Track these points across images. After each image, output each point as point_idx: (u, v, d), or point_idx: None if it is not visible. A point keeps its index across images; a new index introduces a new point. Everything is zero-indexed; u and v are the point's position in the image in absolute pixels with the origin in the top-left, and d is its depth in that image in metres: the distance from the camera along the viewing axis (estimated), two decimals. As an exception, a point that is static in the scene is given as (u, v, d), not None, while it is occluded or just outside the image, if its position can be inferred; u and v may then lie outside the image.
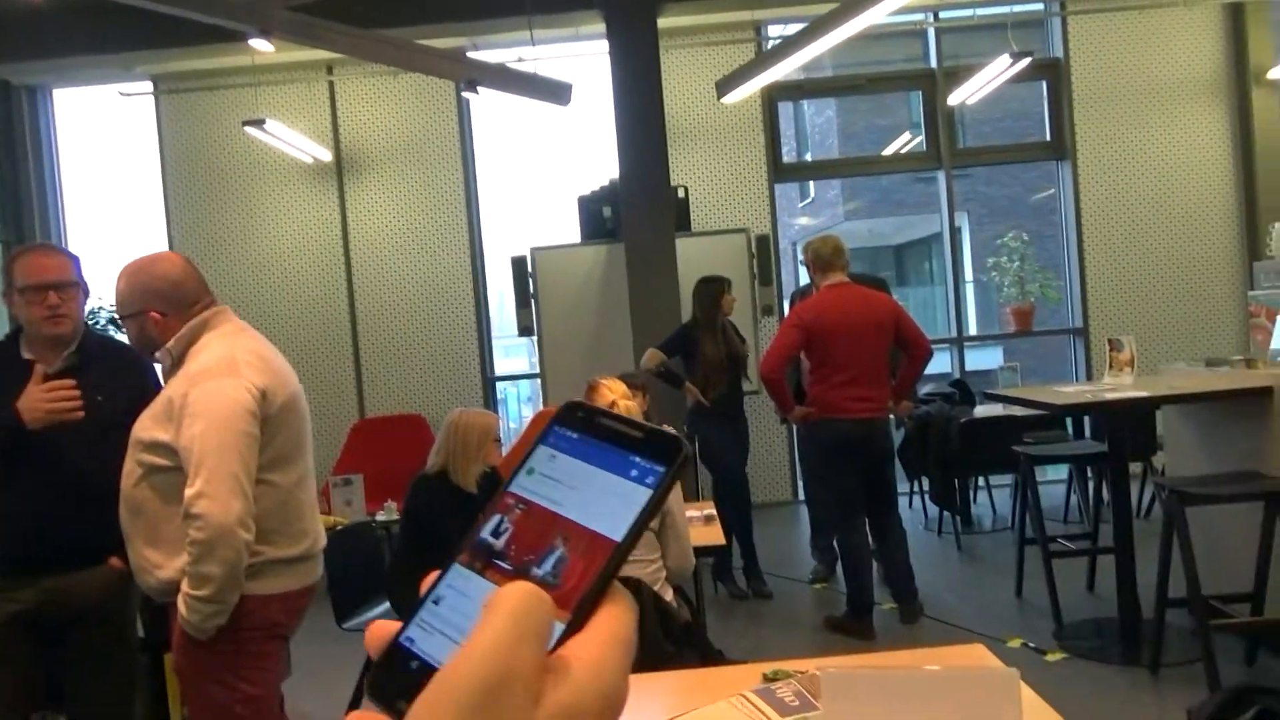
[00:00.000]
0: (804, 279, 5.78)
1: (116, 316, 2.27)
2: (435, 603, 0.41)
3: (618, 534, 0.40)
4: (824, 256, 4.40)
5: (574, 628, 0.38)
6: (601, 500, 0.41)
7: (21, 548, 2.43)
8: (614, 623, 0.38)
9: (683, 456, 0.41)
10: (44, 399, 2.30)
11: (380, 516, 5.12)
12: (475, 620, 0.37)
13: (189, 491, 2.01)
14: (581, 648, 0.37)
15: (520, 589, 0.37)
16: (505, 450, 4.12)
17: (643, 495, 0.41)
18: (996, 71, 6.03)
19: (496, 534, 0.42)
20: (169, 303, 2.20)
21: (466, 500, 3.66)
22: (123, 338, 2.54)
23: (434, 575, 0.42)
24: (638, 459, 0.42)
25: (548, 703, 0.35)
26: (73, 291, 2.46)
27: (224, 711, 2.16)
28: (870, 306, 4.35)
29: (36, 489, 2.39)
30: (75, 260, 2.51)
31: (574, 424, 0.44)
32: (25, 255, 2.47)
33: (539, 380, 6.73)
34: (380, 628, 0.41)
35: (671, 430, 0.43)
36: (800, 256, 6.21)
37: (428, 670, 0.37)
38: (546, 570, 0.40)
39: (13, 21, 5.73)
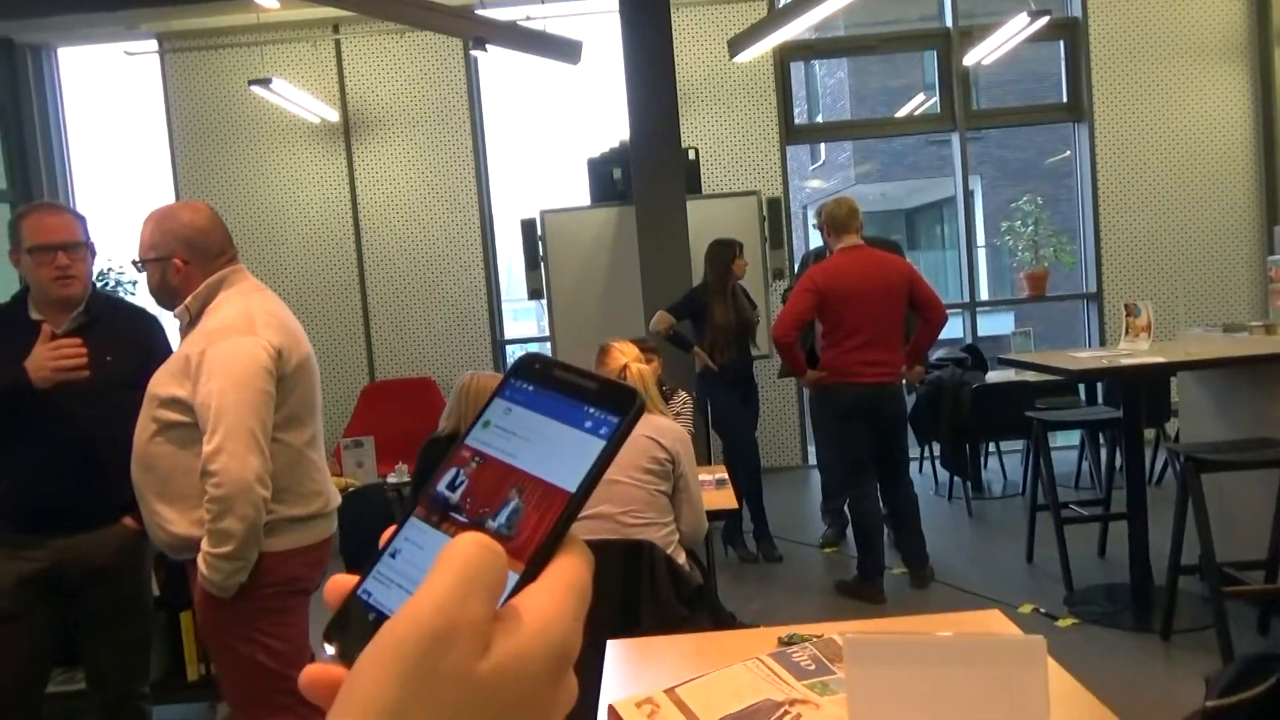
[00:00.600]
0: (815, 242, 5.74)
1: (137, 260, 2.24)
2: (392, 556, 0.41)
3: (571, 485, 0.40)
4: (839, 219, 4.35)
5: (528, 578, 0.38)
6: (556, 452, 0.41)
7: (34, 508, 2.44)
8: (568, 572, 0.38)
9: (637, 407, 0.41)
10: (51, 358, 2.29)
11: (391, 479, 5.14)
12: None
13: (207, 448, 2.01)
14: (532, 598, 0.37)
15: (471, 540, 0.37)
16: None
17: (596, 446, 0.41)
18: (1014, 30, 5.92)
19: (452, 487, 0.42)
20: (194, 250, 2.19)
21: None
22: (130, 294, 2.52)
23: (391, 529, 0.42)
24: (592, 410, 0.42)
25: (496, 651, 0.35)
26: (81, 252, 2.44)
27: (251, 667, 2.18)
28: (884, 270, 4.30)
29: (47, 449, 2.39)
30: (83, 220, 2.49)
31: (530, 376, 0.44)
32: (32, 214, 2.44)
33: (549, 344, 6.70)
34: (339, 582, 0.41)
35: (631, 385, 0.43)
36: (812, 220, 6.14)
37: (384, 621, 0.37)
38: (501, 522, 0.40)
39: (16, -22, 5.66)
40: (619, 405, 0.41)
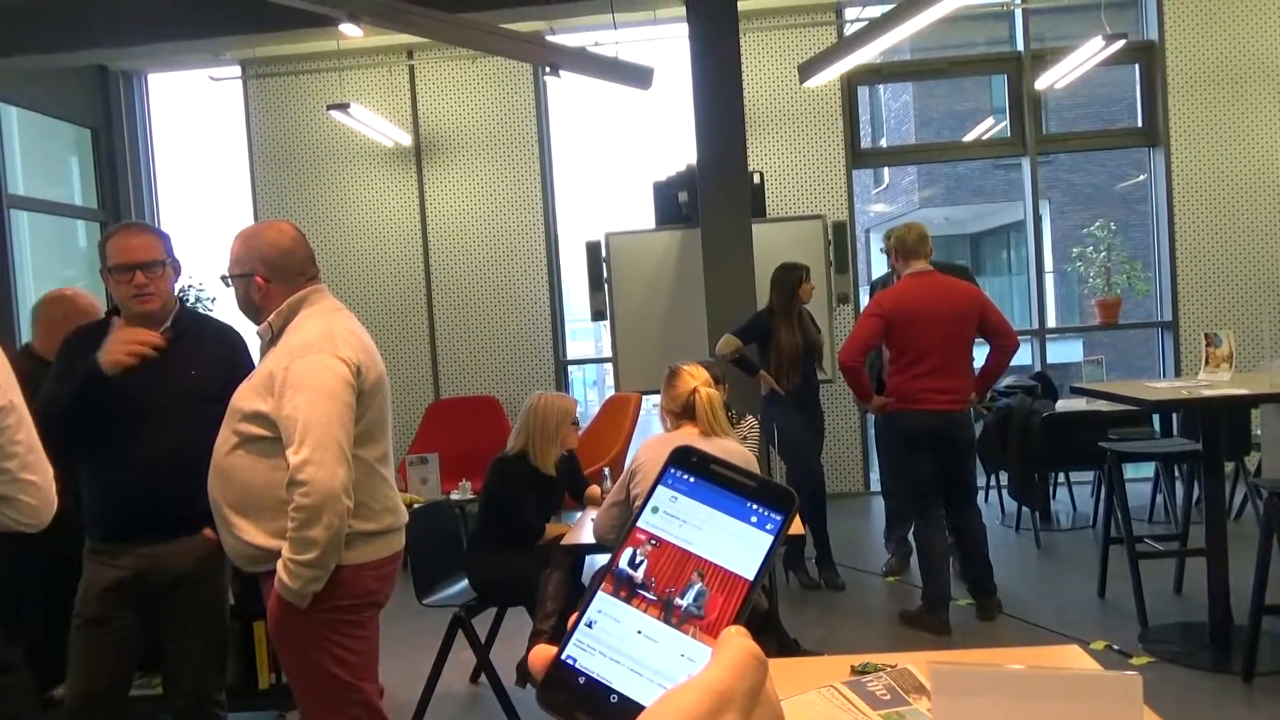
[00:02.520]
0: (881, 268, 5.69)
1: (225, 275, 2.32)
2: (589, 625, 0.47)
3: (749, 573, 0.46)
4: (908, 244, 4.31)
5: None
6: (727, 541, 0.47)
7: (121, 516, 2.51)
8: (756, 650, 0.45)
9: (795, 507, 0.48)
10: (118, 343, 2.34)
11: (455, 495, 5.21)
12: (632, 643, 0.45)
13: (295, 459, 2.06)
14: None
15: (746, 648, 0.43)
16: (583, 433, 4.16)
17: (764, 540, 0.47)
18: (1089, 54, 5.83)
19: (633, 565, 0.48)
20: (275, 270, 2.26)
21: (545, 482, 3.70)
22: (209, 309, 2.60)
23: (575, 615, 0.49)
24: (755, 506, 0.48)
25: None
26: (159, 270, 2.50)
27: (324, 676, 2.22)
28: (953, 295, 4.25)
29: (134, 460, 2.46)
30: (165, 238, 2.55)
31: (689, 468, 0.50)
32: (117, 234, 2.51)
33: (608, 365, 6.74)
34: (542, 650, 0.48)
35: (787, 487, 0.50)
36: (879, 244, 6.09)
37: (595, 685, 0.45)
38: (690, 602, 0.46)
39: (110, 9, 5.93)
40: (780, 503, 0.48)
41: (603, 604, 0.47)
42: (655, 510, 0.49)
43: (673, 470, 0.50)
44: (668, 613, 0.46)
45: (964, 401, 4.28)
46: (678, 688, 0.42)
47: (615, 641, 0.46)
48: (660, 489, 0.50)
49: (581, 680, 0.45)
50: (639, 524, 0.49)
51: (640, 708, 0.43)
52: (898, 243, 4.33)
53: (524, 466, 3.66)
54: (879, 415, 4.45)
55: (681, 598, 0.46)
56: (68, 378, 2.40)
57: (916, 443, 4.25)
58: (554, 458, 3.70)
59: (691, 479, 0.49)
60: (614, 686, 0.45)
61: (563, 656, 0.46)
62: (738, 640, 0.43)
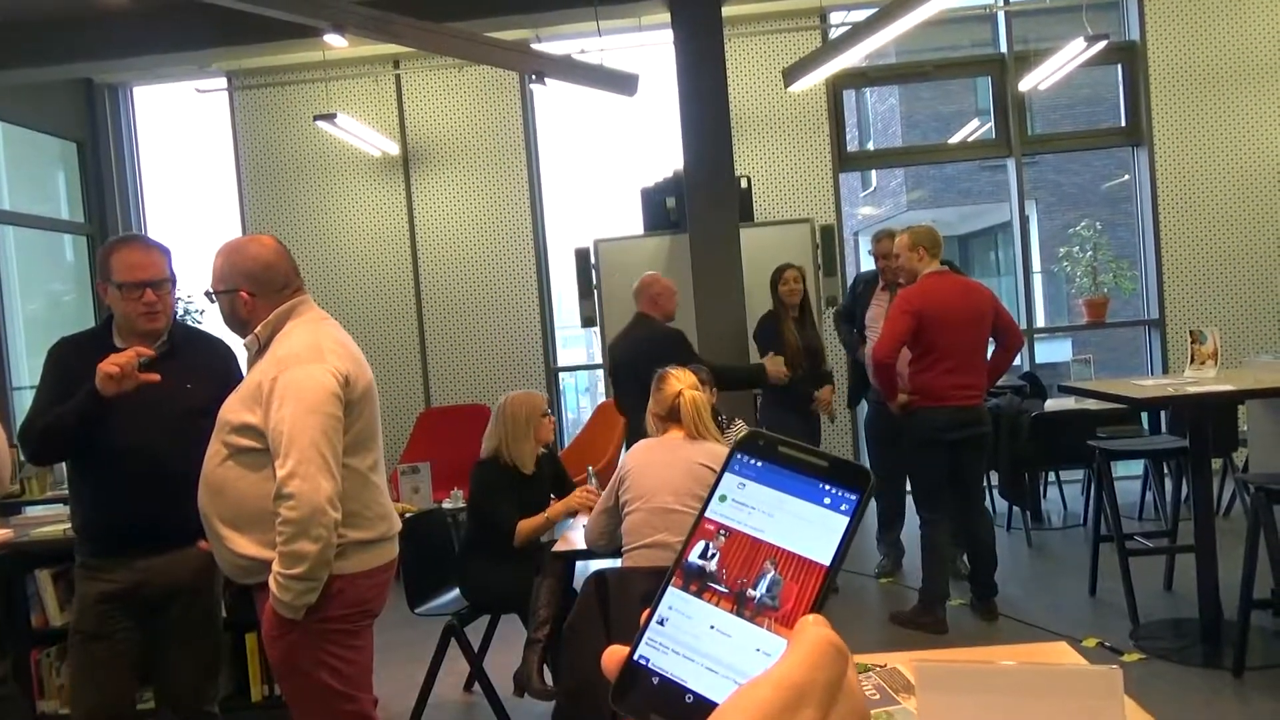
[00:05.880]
0: (867, 267, 5.71)
1: (209, 291, 2.32)
2: (660, 623, 0.45)
3: (825, 558, 0.44)
4: (936, 242, 4.36)
5: None
6: (801, 526, 0.45)
7: (115, 530, 2.51)
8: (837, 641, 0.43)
9: (872, 485, 0.44)
10: (109, 363, 2.32)
11: (447, 504, 5.21)
12: (706, 639, 0.43)
13: (280, 472, 2.06)
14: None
15: (824, 637, 0.41)
16: (568, 436, 4.15)
17: (840, 521, 0.44)
18: (1071, 55, 5.87)
19: (704, 558, 0.46)
20: (258, 284, 2.26)
21: (524, 481, 3.69)
22: (198, 322, 2.59)
23: (646, 611, 0.47)
24: (828, 486, 0.45)
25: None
26: (167, 287, 2.52)
27: (318, 688, 2.22)
28: (972, 294, 4.32)
29: (128, 474, 2.46)
30: (167, 254, 2.57)
31: (756, 452, 0.47)
32: (122, 250, 2.50)
33: (598, 371, 6.75)
34: (614, 651, 0.46)
35: (863, 466, 0.47)
36: (868, 247, 6.11)
37: (670, 685, 0.43)
38: (763, 592, 0.44)
39: (96, 23, 5.92)
40: (855, 482, 0.45)
41: (673, 600, 0.45)
42: (723, 499, 0.47)
43: (739, 455, 0.47)
44: (740, 605, 0.44)
45: (981, 397, 4.36)
46: (751, 682, 0.40)
47: (688, 638, 0.44)
48: (727, 476, 0.47)
49: (655, 680, 0.43)
50: (707, 514, 0.47)
51: (716, 706, 0.41)
52: (928, 240, 4.33)
53: (500, 467, 3.66)
54: (900, 413, 4.42)
55: (754, 589, 0.44)
56: (70, 399, 2.39)
57: (941, 440, 4.26)
58: (531, 454, 3.70)
59: (759, 463, 0.47)
60: (689, 685, 0.43)
61: (635, 657, 0.44)
62: (815, 630, 0.41)
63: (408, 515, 4.00)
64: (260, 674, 3.61)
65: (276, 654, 2.23)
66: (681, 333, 4.58)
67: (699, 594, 0.45)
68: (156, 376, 2.37)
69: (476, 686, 3.71)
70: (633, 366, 4.25)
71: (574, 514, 3.67)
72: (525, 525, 3.58)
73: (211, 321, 2.41)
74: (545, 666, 3.28)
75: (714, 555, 0.45)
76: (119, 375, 2.31)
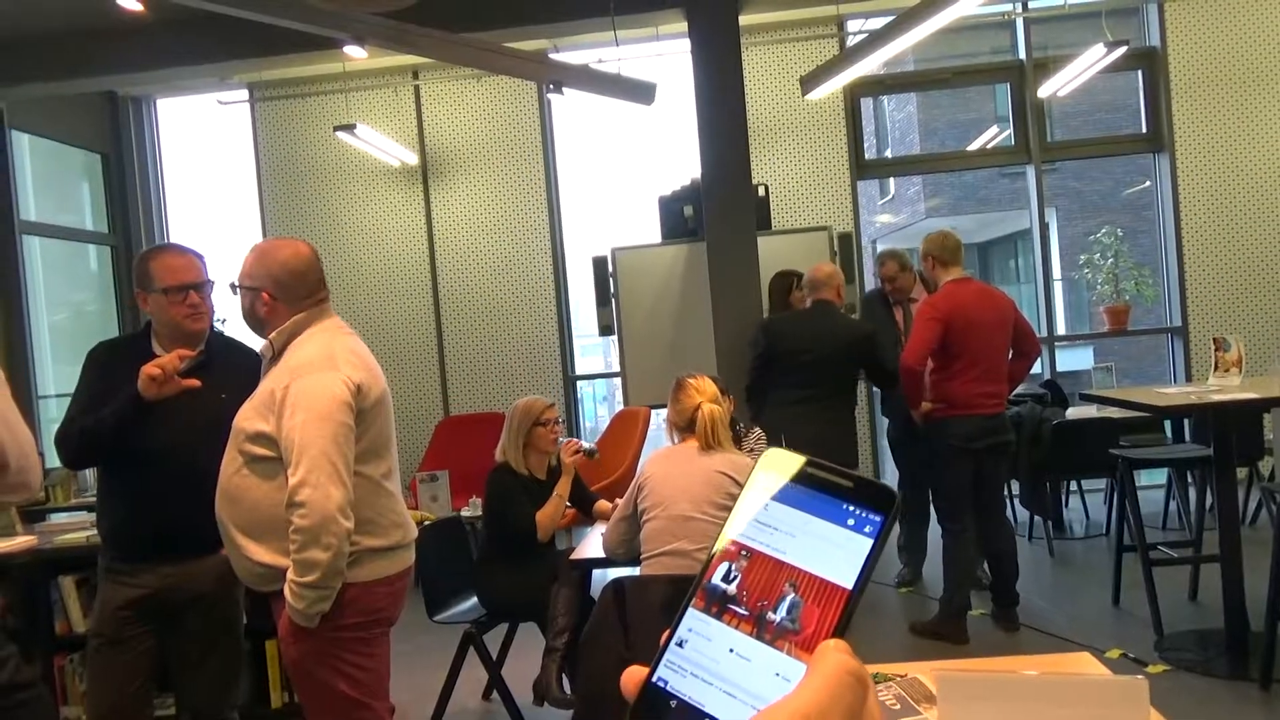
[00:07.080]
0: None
1: (234, 283, 2.34)
2: (679, 645, 0.44)
3: (848, 581, 0.42)
4: (950, 249, 4.34)
5: None
6: (823, 548, 0.44)
7: (143, 536, 2.53)
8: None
9: (897, 507, 0.43)
10: (154, 365, 2.35)
11: (465, 512, 5.22)
12: (725, 662, 0.43)
13: (292, 480, 2.08)
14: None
15: (843, 665, 0.40)
16: (586, 442, 4.15)
17: (864, 544, 0.43)
18: (1091, 61, 5.84)
19: (727, 580, 0.45)
20: (282, 289, 2.28)
21: (538, 486, 3.70)
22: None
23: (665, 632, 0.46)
24: (853, 508, 0.44)
25: None
26: (208, 290, 2.58)
27: (334, 696, 2.23)
28: (995, 302, 4.30)
29: (160, 481, 2.49)
30: (202, 259, 2.62)
31: (781, 470, 0.46)
32: (159, 256, 2.55)
33: (616, 379, 6.75)
34: (634, 672, 0.45)
35: (888, 486, 0.45)
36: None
37: (688, 709, 0.42)
38: (783, 616, 0.43)
39: (120, 37, 6.00)
40: (880, 504, 0.44)
41: (693, 621, 0.44)
42: (747, 518, 0.46)
43: (764, 474, 0.47)
44: (760, 628, 0.43)
45: (1004, 405, 4.33)
46: (766, 710, 0.40)
47: (707, 661, 0.43)
48: (750, 494, 0.47)
49: (674, 704, 0.43)
50: (730, 535, 0.46)
51: None
52: (938, 249, 4.32)
53: (509, 473, 3.68)
54: (923, 421, 4.39)
55: (774, 611, 0.43)
56: (106, 403, 2.42)
57: (968, 449, 4.22)
58: (538, 461, 3.72)
59: (784, 482, 0.46)
60: (706, 710, 0.42)
61: (653, 679, 0.44)
62: (834, 656, 0.40)
63: (426, 523, 4.01)
64: (279, 681, 3.63)
65: (292, 661, 2.24)
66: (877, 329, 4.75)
67: (719, 615, 0.44)
68: (197, 382, 2.39)
69: (495, 694, 3.71)
70: (831, 361, 4.39)
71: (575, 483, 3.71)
72: (543, 515, 3.58)
73: (233, 328, 2.43)
74: (564, 675, 3.28)
75: (736, 577, 0.45)
76: (162, 378, 2.34)
